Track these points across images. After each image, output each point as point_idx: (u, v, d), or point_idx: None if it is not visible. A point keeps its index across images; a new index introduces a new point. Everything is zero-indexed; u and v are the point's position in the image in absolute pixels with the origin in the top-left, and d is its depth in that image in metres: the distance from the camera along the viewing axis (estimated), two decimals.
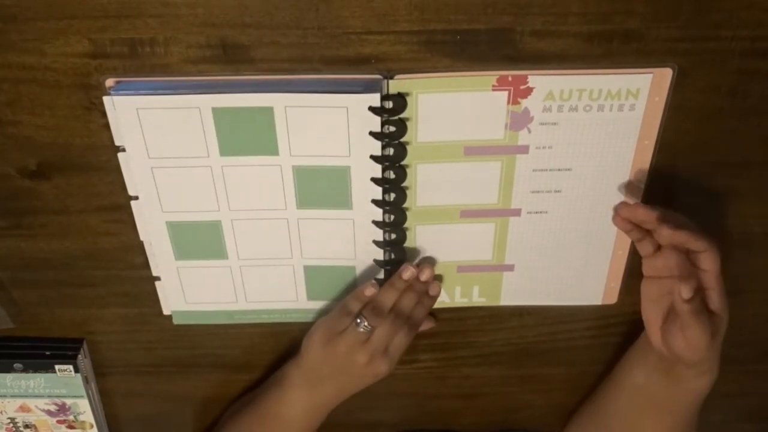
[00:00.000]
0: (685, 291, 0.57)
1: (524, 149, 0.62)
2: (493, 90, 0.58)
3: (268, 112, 0.59)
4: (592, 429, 0.78)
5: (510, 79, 0.58)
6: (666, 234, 0.58)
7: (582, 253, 0.68)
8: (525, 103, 0.59)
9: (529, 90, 0.58)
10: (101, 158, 0.62)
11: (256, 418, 0.73)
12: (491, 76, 0.58)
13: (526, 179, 0.64)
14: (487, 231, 0.67)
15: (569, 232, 0.67)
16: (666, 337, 0.63)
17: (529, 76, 0.58)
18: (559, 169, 0.63)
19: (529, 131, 0.61)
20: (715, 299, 0.60)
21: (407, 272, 0.66)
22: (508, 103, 0.59)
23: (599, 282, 0.70)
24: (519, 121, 0.60)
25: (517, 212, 0.66)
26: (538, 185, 0.64)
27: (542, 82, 0.58)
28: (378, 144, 0.61)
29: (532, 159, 0.62)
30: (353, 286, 0.70)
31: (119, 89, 0.58)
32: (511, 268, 0.69)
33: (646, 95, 0.59)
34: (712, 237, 0.59)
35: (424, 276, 0.66)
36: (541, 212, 0.66)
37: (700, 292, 0.59)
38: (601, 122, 0.60)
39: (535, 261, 0.69)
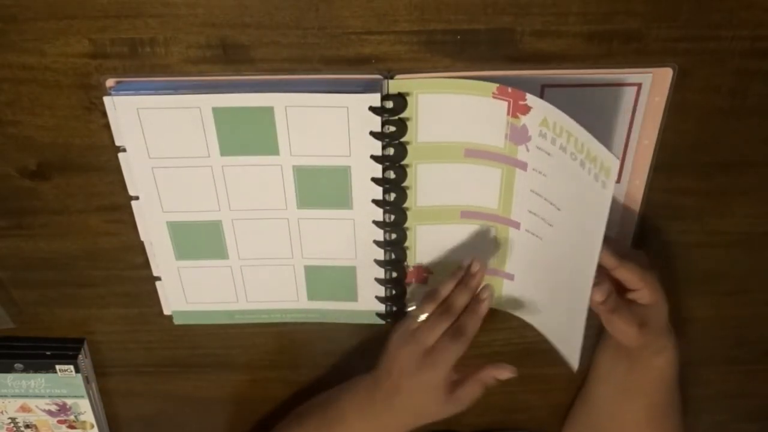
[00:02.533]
0: (597, 295, 0.60)
1: (523, 165, 0.60)
2: (494, 97, 0.58)
3: (269, 111, 0.59)
4: (583, 423, 0.79)
5: (509, 91, 0.56)
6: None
7: (566, 300, 0.64)
8: (524, 119, 0.57)
9: (528, 108, 0.57)
10: (101, 158, 0.62)
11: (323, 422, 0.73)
12: (491, 85, 0.57)
13: (524, 196, 0.62)
14: (488, 235, 0.67)
15: (557, 271, 0.63)
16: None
17: (528, 96, 0.56)
18: (551, 203, 0.60)
19: (527, 149, 0.59)
20: (645, 296, 0.63)
21: (475, 265, 0.65)
22: (508, 114, 0.58)
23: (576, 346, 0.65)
24: (518, 135, 0.59)
25: (516, 225, 0.65)
26: (535, 208, 0.62)
27: (539, 106, 0.56)
28: (378, 144, 0.61)
29: (530, 178, 0.60)
30: (353, 286, 0.70)
31: (119, 89, 0.58)
32: (511, 277, 0.69)
33: (645, 98, 0.59)
34: (627, 251, 0.62)
35: (474, 267, 0.65)
36: (536, 235, 0.64)
37: (612, 294, 0.61)
38: (583, 184, 0.55)
39: (533, 278, 0.68)
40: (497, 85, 0.56)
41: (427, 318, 0.64)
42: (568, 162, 0.56)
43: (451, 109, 0.59)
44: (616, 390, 0.72)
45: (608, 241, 0.57)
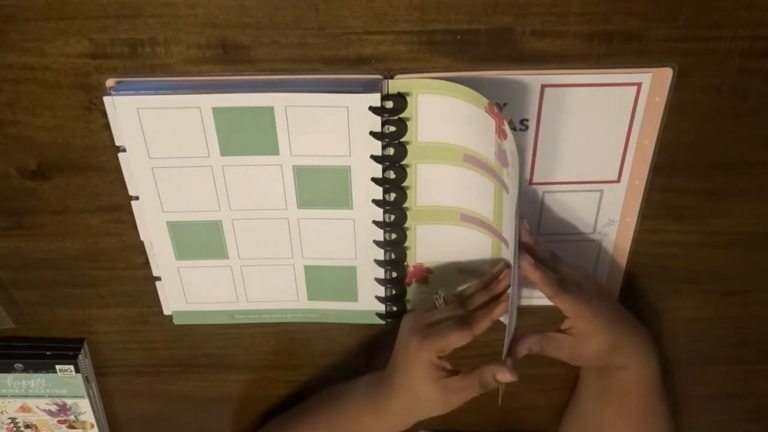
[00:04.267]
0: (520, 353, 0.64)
1: (506, 187, 0.60)
2: (486, 112, 0.57)
3: (269, 111, 0.59)
4: (572, 426, 0.80)
5: (495, 111, 0.56)
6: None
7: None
8: (504, 144, 0.56)
9: (506, 134, 0.55)
10: (101, 158, 0.62)
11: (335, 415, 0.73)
12: (484, 100, 0.56)
13: (509, 218, 0.60)
14: (485, 240, 0.67)
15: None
16: None
17: (505, 123, 0.55)
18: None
19: (507, 174, 0.58)
20: (578, 326, 0.63)
21: (504, 273, 0.64)
22: (495, 133, 0.57)
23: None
24: (501, 157, 0.58)
25: (505, 242, 0.64)
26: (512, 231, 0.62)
27: (510, 137, 0.54)
28: (378, 144, 0.61)
29: (512, 202, 0.58)
30: (353, 286, 0.70)
31: (119, 89, 0.58)
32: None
33: (645, 98, 0.59)
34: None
35: (502, 275, 0.65)
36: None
37: (539, 342, 0.64)
38: None
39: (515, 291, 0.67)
40: (488, 101, 0.56)
41: (442, 309, 0.65)
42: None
43: (451, 112, 0.59)
44: (595, 398, 0.73)
45: (554, 261, 0.62)
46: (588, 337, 0.63)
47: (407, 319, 0.65)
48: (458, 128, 0.60)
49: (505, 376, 0.62)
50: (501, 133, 0.56)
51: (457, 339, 0.62)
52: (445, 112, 0.59)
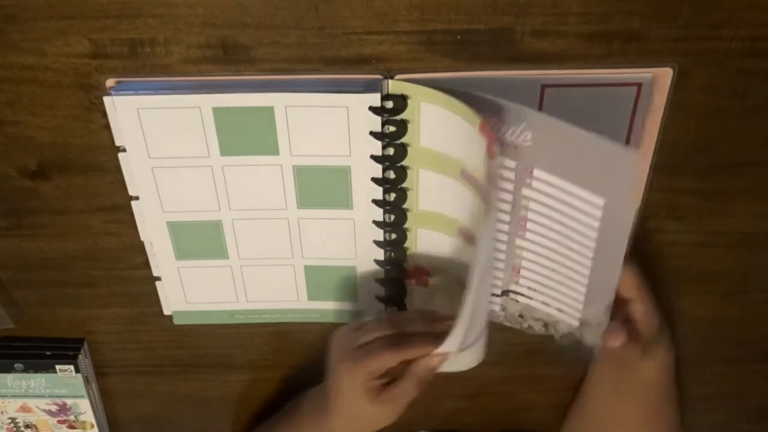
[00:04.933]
0: (609, 343, 0.62)
1: (489, 211, 0.58)
2: (479, 130, 0.55)
3: (269, 111, 0.59)
4: (578, 425, 0.80)
5: (488, 130, 0.54)
6: None
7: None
8: (491, 165, 0.55)
9: (494, 155, 0.54)
10: (101, 158, 0.62)
11: None
12: (477, 118, 0.54)
13: (484, 243, 0.58)
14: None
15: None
16: None
17: (496, 144, 0.54)
18: None
19: (493, 197, 0.57)
20: (639, 309, 0.63)
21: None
22: (485, 152, 0.55)
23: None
24: (490, 179, 0.56)
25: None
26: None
27: (497, 160, 0.54)
28: (378, 144, 0.61)
29: (489, 227, 0.57)
30: (353, 286, 0.70)
31: (119, 89, 0.58)
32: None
33: (645, 99, 0.59)
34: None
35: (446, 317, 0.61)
36: None
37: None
38: None
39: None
40: (481, 120, 0.54)
41: (373, 323, 0.63)
42: None
43: (450, 125, 0.58)
44: (607, 392, 0.73)
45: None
46: (647, 318, 0.63)
47: (335, 341, 0.64)
48: (456, 143, 0.59)
49: (435, 360, 0.60)
50: (490, 153, 0.55)
51: (386, 360, 0.60)
52: (445, 123, 0.58)
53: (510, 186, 0.60)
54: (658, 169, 0.63)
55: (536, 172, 0.59)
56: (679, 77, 0.58)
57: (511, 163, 0.59)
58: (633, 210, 0.57)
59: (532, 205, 0.61)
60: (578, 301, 0.65)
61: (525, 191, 0.60)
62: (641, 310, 0.63)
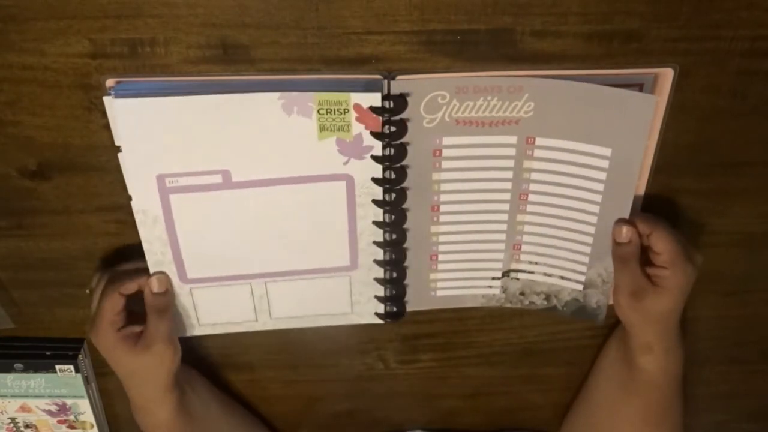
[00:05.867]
0: (618, 235, 0.62)
1: None
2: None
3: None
4: (581, 422, 0.79)
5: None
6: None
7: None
8: None
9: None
10: (101, 158, 0.62)
11: None
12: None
13: None
14: None
15: None
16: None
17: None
18: None
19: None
20: (666, 260, 0.62)
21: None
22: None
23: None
24: None
25: None
26: None
27: None
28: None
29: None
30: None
31: (119, 89, 0.58)
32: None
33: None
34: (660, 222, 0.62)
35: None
36: None
37: (637, 250, 0.62)
38: None
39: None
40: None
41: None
42: None
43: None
44: (614, 389, 0.73)
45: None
46: (672, 289, 0.63)
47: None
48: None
49: (154, 285, 0.65)
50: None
51: (114, 301, 0.63)
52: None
53: (510, 163, 0.62)
54: (658, 169, 0.63)
55: (538, 140, 0.60)
56: (680, 77, 0.58)
57: (512, 139, 0.60)
58: (641, 153, 0.58)
59: (534, 176, 0.62)
60: (582, 263, 0.66)
61: (526, 163, 0.62)
62: (660, 235, 0.62)
